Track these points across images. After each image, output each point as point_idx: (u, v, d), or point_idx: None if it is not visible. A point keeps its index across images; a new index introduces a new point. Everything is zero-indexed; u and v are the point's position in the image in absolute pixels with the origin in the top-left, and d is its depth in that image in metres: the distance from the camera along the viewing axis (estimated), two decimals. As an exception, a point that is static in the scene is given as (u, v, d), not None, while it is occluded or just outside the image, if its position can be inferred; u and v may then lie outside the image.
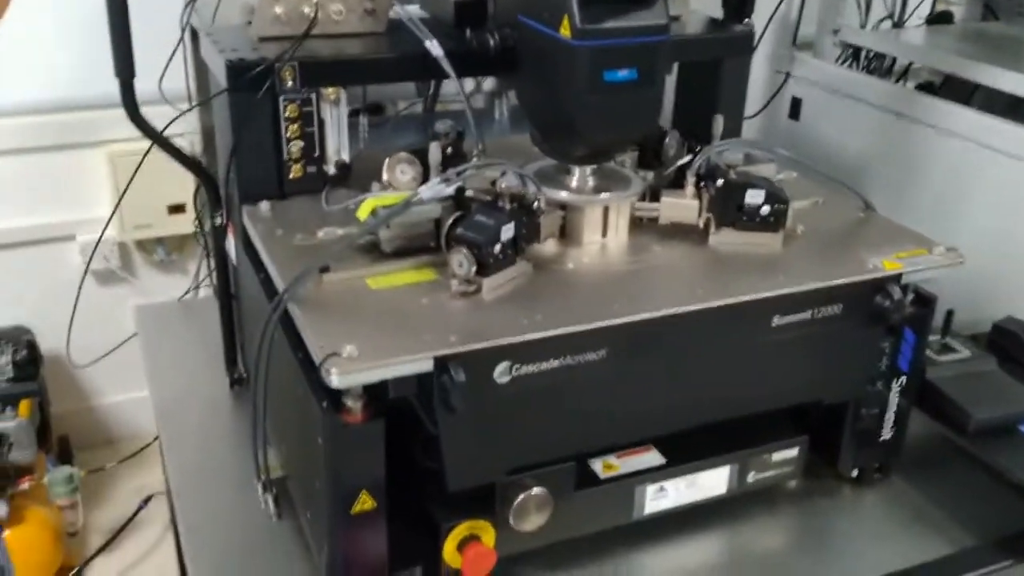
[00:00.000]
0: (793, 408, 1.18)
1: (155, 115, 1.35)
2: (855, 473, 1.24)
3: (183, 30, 1.40)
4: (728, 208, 1.13)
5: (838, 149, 1.76)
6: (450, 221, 1.02)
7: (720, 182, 1.12)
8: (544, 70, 1.08)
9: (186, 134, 1.59)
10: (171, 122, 1.34)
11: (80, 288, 2.10)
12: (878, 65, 1.98)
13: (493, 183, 1.08)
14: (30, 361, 2.01)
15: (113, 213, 2.09)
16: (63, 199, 2.18)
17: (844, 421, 1.20)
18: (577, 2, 0.99)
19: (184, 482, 1.26)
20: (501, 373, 0.93)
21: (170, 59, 1.46)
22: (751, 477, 1.17)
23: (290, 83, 1.17)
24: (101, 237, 2.08)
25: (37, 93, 1.98)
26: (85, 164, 2.14)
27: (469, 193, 1.07)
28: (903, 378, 1.18)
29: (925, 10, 2.06)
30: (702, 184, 1.15)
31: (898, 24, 2.00)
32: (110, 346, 2.18)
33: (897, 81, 2.01)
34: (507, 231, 1.01)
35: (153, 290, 2.35)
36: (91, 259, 2.18)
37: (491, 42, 1.18)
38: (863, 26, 1.94)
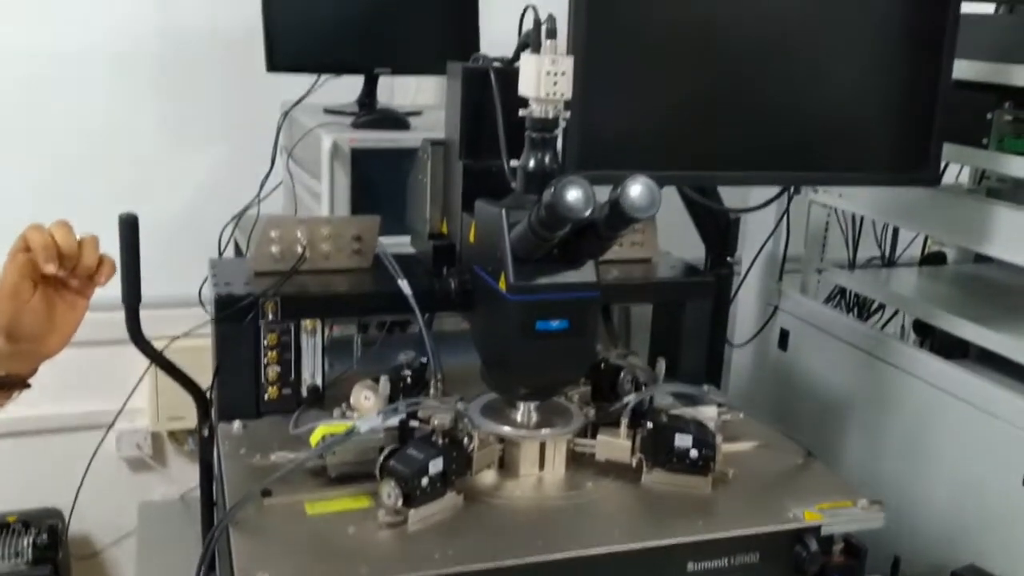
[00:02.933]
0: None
1: (190, 316, 1.57)
2: None
3: (220, 249, 1.59)
4: (659, 450, 1.19)
5: (821, 383, 1.81)
6: (385, 453, 1.11)
7: (650, 425, 1.19)
8: (488, 315, 1.20)
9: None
10: (171, 341, 1.48)
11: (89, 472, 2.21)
12: (870, 303, 2.05)
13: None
14: (50, 545, 2.11)
15: (126, 403, 2.22)
16: (104, 389, 2.34)
17: (780, 672, 1.19)
18: (512, 261, 1.11)
19: None
20: (408, 605, 0.99)
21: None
22: None
23: (271, 315, 1.31)
24: (111, 421, 2.20)
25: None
26: (126, 358, 2.31)
27: (414, 424, 1.16)
28: (837, 630, 1.18)
29: (917, 250, 2.13)
30: (639, 424, 1.22)
31: (889, 262, 2.08)
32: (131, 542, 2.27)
33: (889, 321, 2.07)
34: (435, 465, 1.09)
35: (181, 479, 2.46)
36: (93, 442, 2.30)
37: (453, 285, 1.31)
38: (851, 265, 2.03)
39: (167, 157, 2.21)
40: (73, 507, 2.30)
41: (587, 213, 1.00)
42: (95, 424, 2.39)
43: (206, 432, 1.43)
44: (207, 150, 2.24)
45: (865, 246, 2.11)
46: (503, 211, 1.12)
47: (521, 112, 1.14)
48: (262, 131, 2.03)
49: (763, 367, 1.98)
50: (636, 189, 1.00)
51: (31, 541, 2.08)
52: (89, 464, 2.30)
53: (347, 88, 1.99)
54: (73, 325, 1.09)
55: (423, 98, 2.25)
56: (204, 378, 1.66)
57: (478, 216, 1.22)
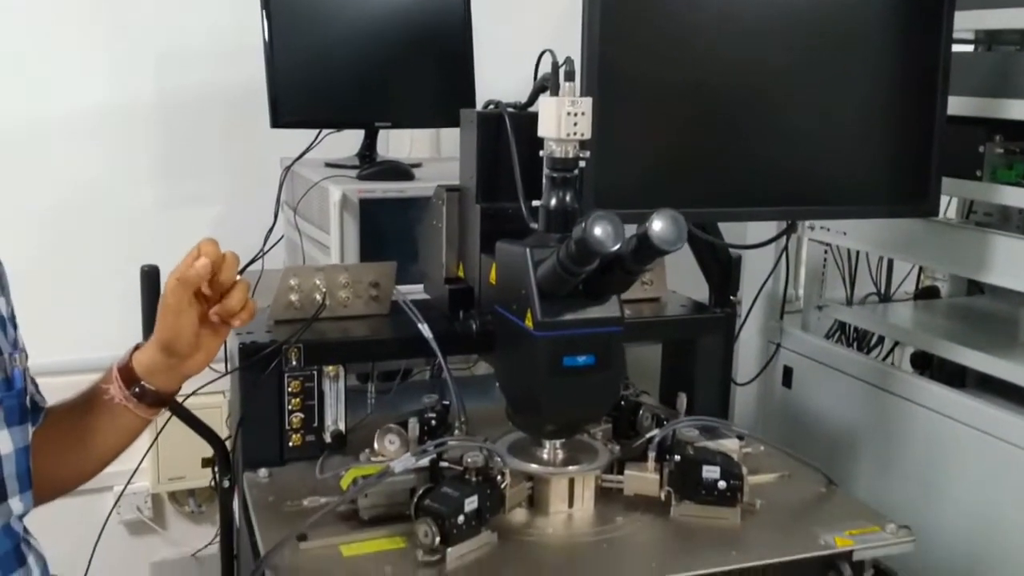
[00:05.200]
0: None
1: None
2: None
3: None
4: (687, 482, 1.20)
5: (828, 417, 1.83)
6: (419, 492, 1.11)
7: (678, 458, 1.21)
8: (514, 354, 1.21)
9: (225, 392, 1.75)
10: (187, 398, 1.47)
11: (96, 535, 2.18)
12: (870, 337, 2.09)
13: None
14: (52, 611, 2.07)
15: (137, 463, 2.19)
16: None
17: None
18: (538, 298, 1.14)
19: None
20: (453, 643, 0.99)
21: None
22: None
23: (294, 362, 1.32)
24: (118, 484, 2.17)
25: (87, 353, 2.17)
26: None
27: (443, 464, 1.17)
28: (870, 656, 1.19)
29: (911, 285, 2.18)
30: (666, 458, 1.23)
31: (885, 298, 2.13)
32: (137, 603, 2.24)
33: (889, 354, 2.11)
34: (471, 503, 1.09)
35: (182, 541, 2.42)
36: (105, 506, 2.27)
37: (474, 326, 1.32)
38: (849, 301, 2.07)
39: (167, 214, 2.22)
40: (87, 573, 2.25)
41: (616, 247, 1.02)
42: (93, 488, 2.35)
43: (226, 483, 1.42)
44: (206, 206, 2.26)
45: (860, 284, 2.16)
46: (528, 250, 1.14)
47: (541, 153, 1.17)
48: (261, 187, 2.06)
49: (768, 405, 2.00)
50: (664, 221, 1.03)
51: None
52: (102, 529, 2.25)
53: (342, 143, 2.03)
54: (216, 348, 1.15)
55: (417, 151, 2.29)
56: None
57: (499, 257, 1.24)
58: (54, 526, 2.25)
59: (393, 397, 1.64)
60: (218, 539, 2.03)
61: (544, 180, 1.19)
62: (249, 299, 1.11)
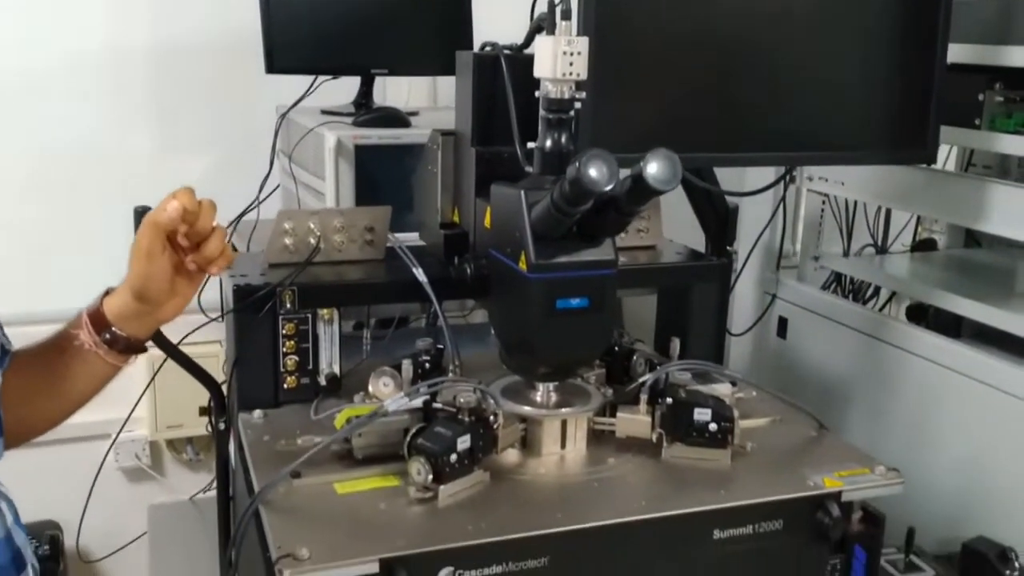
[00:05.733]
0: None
1: (186, 323, 1.49)
2: None
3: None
4: (678, 424, 1.21)
5: (822, 367, 1.84)
6: (412, 431, 1.12)
7: (670, 400, 1.21)
8: (508, 297, 1.21)
9: (222, 341, 1.75)
10: (181, 340, 1.48)
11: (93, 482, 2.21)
12: (865, 288, 2.09)
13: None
14: (51, 556, 2.09)
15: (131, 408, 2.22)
16: (101, 400, 2.33)
17: (803, 638, 1.21)
18: (532, 241, 1.13)
19: None
20: (445, 577, 1.00)
21: (207, 278, 1.64)
22: None
23: (289, 305, 1.32)
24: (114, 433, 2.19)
25: (81, 301, 2.17)
26: (125, 368, 2.30)
27: (437, 405, 1.18)
28: (858, 596, 1.21)
29: (908, 237, 2.18)
30: (658, 401, 1.24)
31: (882, 250, 2.12)
32: (137, 546, 2.26)
33: (885, 305, 2.11)
34: (463, 442, 1.10)
35: (180, 488, 2.44)
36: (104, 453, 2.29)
37: (468, 271, 1.32)
38: (846, 252, 2.07)
39: (161, 162, 2.21)
40: (82, 519, 2.27)
41: (610, 187, 1.02)
42: (92, 435, 2.37)
43: (222, 425, 1.43)
44: (201, 155, 2.25)
45: (857, 237, 2.15)
46: (522, 192, 1.14)
47: (536, 94, 1.16)
48: (255, 135, 2.04)
49: (763, 356, 2.01)
50: (659, 161, 1.02)
51: (32, 553, 2.05)
52: (96, 476, 2.28)
53: (340, 92, 2.01)
54: (190, 295, 1.13)
55: (415, 101, 2.27)
56: (203, 390, 1.66)
57: (494, 200, 1.24)
58: (52, 473, 2.29)
59: (388, 343, 1.65)
60: (215, 483, 2.05)
61: (540, 122, 1.18)
62: (226, 246, 1.09)
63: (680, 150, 1.05)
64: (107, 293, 1.13)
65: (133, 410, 2.25)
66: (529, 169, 1.22)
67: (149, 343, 1.20)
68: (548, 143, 1.17)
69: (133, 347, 1.14)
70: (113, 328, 1.11)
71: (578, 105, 1.17)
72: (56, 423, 1.18)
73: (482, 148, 1.32)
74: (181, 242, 1.07)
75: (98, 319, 1.11)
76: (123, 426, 2.26)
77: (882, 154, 1.47)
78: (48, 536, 2.15)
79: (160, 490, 2.43)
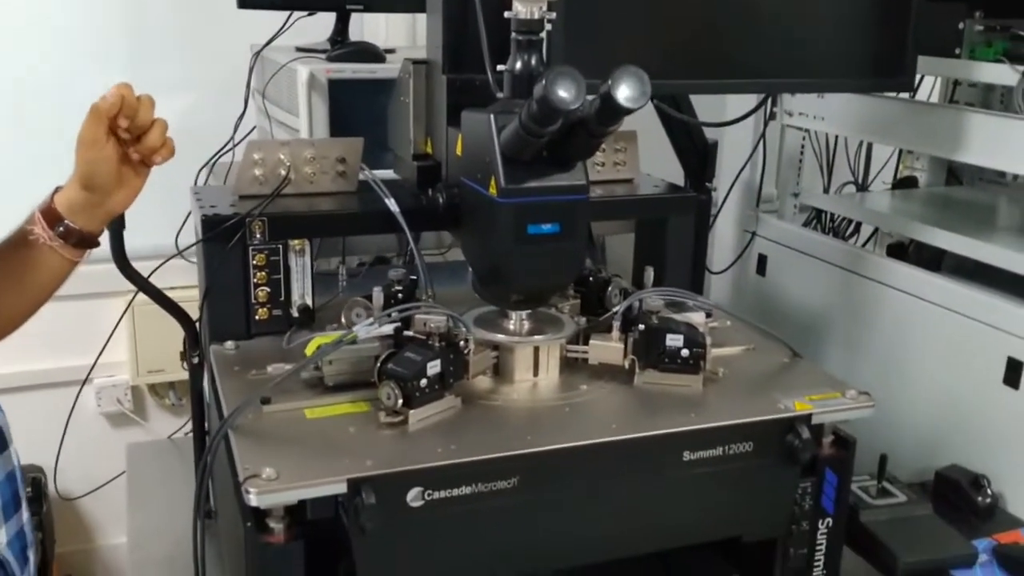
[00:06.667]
0: (727, 546, 1.22)
1: (173, 267, 1.59)
2: (790, 616, 1.25)
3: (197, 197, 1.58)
4: (650, 350, 1.21)
5: (800, 303, 1.84)
6: (382, 357, 1.11)
7: (642, 326, 1.21)
8: (479, 224, 1.20)
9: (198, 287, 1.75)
10: (152, 271, 1.47)
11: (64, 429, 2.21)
12: (844, 227, 2.09)
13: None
14: (34, 498, 2.10)
15: (97, 354, 2.21)
16: (83, 345, 2.32)
17: (775, 560, 1.22)
18: (502, 166, 1.12)
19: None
20: (414, 498, 1.00)
21: (185, 219, 1.63)
22: (682, 615, 1.20)
23: (259, 235, 1.30)
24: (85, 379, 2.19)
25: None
26: (105, 312, 2.30)
27: (408, 334, 1.17)
28: (829, 519, 1.21)
29: (889, 176, 2.17)
30: (631, 328, 1.23)
31: (862, 189, 2.11)
32: (118, 487, 2.27)
33: (866, 243, 2.11)
34: (433, 367, 1.10)
35: (163, 433, 2.45)
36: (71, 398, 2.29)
37: (441, 200, 1.31)
38: (826, 190, 2.06)
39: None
40: (57, 461, 2.29)
41: (578, 104, 1.00)
42: (76, 380, 2.37)
43: (196, 359, 1.43)
44: (175, 96, 2.21)
45: (837, 175, 2.14)
46: (491, 115, 1.12)
47: (506, 14, 1.14)
48: (231, 76, 2.01)
49: (742, 293, 2.01)
50: (627, 79, 1.00)
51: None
52: (69, 417, 2.29)
53: (316, 30, 1.98)
54: (138, 186, 1.16)
55: (393, 40, 2.24)
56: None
57: (465, 126, 1.22)
58: (33, 419, 2.28)
59: (363, 280, 1.64)
60: (186, 424, 2.05)
61: (510, 44, 1.16)
62: (168, 139, 1.12)
63: (655, 75, 1.04)
64: (58, 190, 1.16)
65: (103, 351, 2.26)
66: (500, 95, 1.20)
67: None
68: (518, 65, 1.15)
69: (87, 241, 1.16)
70: (66, 221, 1.13)
71: (548, 26, 1.15)
72: (19, 322, 1.20)
73: (454, 75, 1.30)
74: (123, 136, 1.10)
75: (50, 213, 1.13)
76: (92, 367, 2.26)
77: (860, 81, 1.45)
78: (30, 479, 2.15)
79: (143, 435, 2.44)
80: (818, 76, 1.42)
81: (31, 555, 1.24)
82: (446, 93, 1.31)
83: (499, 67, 1.18)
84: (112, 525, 2.47)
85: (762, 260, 1.94)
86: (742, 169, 1.94)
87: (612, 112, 1.04)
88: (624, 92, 1.01)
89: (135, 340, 2.33)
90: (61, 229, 1.13)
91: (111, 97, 1.07)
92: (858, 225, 2.06)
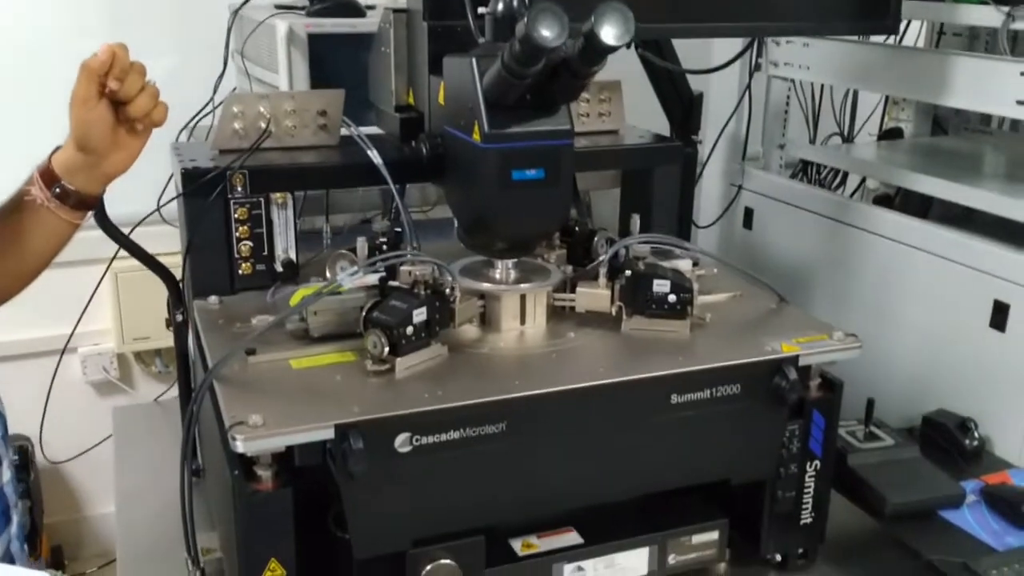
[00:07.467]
0: (715, 491, 1.22)
1: (158, 234, 1.57)
2: (779, 558, 1.26)
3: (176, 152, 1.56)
4: (637, 297, 1.20)
5: (787, 255, 1.84)
6: (368, 306, 1.10)
7: (629, 273, 1.20)
8: (463, 172, 1.19)
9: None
10: (132, 229, 1.45)
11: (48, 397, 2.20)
12: (831, 180, 2.08)
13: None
14: (21, 466, 2.09)
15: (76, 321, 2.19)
16: (70, 313, 2.30)
17: (763, 504, 1.22)
18: (485, 111, 1.10)
19: (134, 567, 1.32)
20: (402, 443, 0.99)
21: (167, 183, 1.61)
22: (672, 559, 1.20)
23: (240, 189, 1.29)
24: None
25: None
26: (90, 280, 2.27)
27: (393, 284, 1.16)
28: (816, 462, 1.22)
29: (874, 127, 2.16)
30: (617, 276, 1.23)
31: (848, 140, 2.11)
32: (105, 455, 2.26)
33: (852, 196, 2.10)
34: (419, 314, 1.09)
35: (149, 399, 2.43)
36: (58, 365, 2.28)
37: (424, 150, 1.29)
38: (812, 141, 2.05)
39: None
40: (41, 429, 2.28)
41: (561, 42, 0.99)
42: (58, 348, 2.35)
43: (179, 316, 1.41)
44: (157, 56, 2.16)
45: (823, 127, 2.14)
46: (473, 59, 1.10)
47: (487, -45, 1.12)
48: (208, 36, 1.98)
49: (729, 247, 2.01)
50: (610, 15, 0.99)
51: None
52: (51, 384, 2.27)
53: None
54: (136, 149, 1.15)
55: (375, -4, 2.20)
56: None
57: (447, 73, 1.20)
58: (19, 386, 2.27)
59: (348, 235, 1.63)
60: (172, 386, 2.04)
61: (492, -15, 1.14)
62: (161, 102, 1.11)
63: (639, 20, 1.02)
64: (56, 151, 1.15)
65: (81, 317, 2.24)
66: (483, 40, 1.18)
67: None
68: (500, 6, 1.13)
69: (85, 202, 1.16)
70: (63, 182, 1.13)
71: (529, -33, 1.13)
72: (20, 286, 1.21)
73: (434, 22, 1.28)
74: (113, 97, 1.09)
75: (48, 174, 1.14)
76: (71, 335, 2.25)
77: (846, 24, 1.44)
78: (17, 447, 2.14)
79: (130, 403, 2.42)
80: (804, 19, 1.40)
81: (14, 516, 1.23)
82: (427, 41, 1.29)
83: (480, 10, 1.16)
84: (100, 494, 2.46)
85: (749, 213, 1.94)
86: (727, 122, 1.93)
87: (596, 51, 1.02)
88: (608, 29, 1.00)
89: (119, 307, 2.31)
90: (58, 190, 1.13)
91: (102, 54, 1.06)
92: (844, 178, 2.06)
